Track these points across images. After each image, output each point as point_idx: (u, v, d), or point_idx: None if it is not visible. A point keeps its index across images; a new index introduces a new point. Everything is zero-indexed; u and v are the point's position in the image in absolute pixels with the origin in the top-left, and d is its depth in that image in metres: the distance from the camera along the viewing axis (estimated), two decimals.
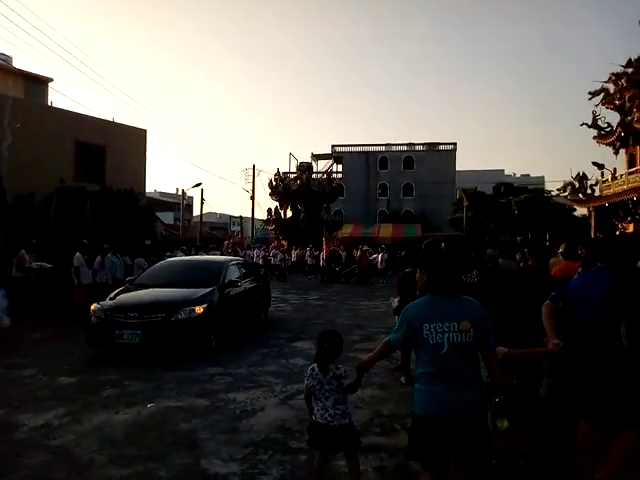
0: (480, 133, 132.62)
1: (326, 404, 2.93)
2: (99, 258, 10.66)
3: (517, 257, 9.12)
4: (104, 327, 6.47)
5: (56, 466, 3.49)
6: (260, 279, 9.93)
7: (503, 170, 60.83)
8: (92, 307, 6.87)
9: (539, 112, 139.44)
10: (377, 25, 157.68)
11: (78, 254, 10.21)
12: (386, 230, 36.75)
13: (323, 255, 22.12)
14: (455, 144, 45.09)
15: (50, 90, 21.76)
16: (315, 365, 3.00)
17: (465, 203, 34.33)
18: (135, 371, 5.98)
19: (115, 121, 20.97)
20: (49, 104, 20.80)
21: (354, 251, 23.02)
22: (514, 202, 33.69)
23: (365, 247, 22.62)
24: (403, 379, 5.62)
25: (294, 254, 26.21)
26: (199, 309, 6.67)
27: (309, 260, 23.72)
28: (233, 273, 8.32)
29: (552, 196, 34.57)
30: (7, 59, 21.02)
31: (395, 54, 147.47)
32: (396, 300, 5.93)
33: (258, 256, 24.35)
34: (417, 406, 2.49)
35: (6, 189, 13.92)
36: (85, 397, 4.98)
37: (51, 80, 21.39)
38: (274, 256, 22.49)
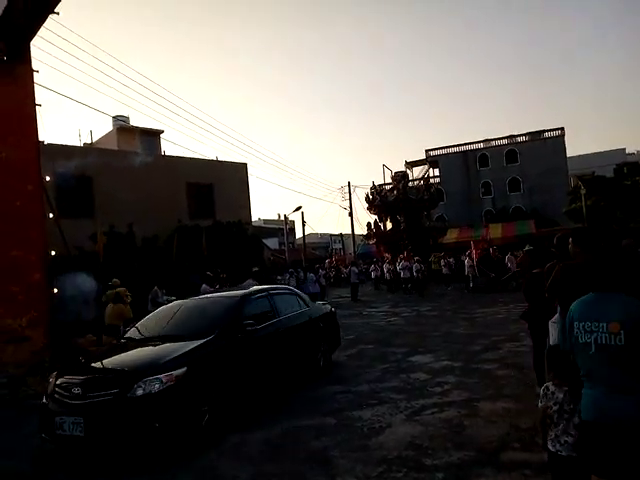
0: (591, 112, 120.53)
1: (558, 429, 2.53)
2: (217, 287, 11.46)
3: None
4: (46, 412, 4.55)
5: None
6: (320, 313, 7.46)
7: (624, 149, 54.45)
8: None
9: None
10: (464, 22, 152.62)
11: (205, 285, 11.05)
12: (495, 230, 34.51)
13: (470, 261, 18.98)
14: (562, 129, 41.40)
15: (162, 141, 24.27)
16: (550, 384, 2.66)
17: (583, 191, 31.17)
18: None
19: (218, 159, 22.74)
20: (162, 153, 23.22)
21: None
22: None
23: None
24: (538, 389, 5.16)
25: (386, 267, 25.72)
26: (169, 378, 4.37)
27: (444, 270, 20.99)
28: (258, 309, 6.05)
29: None
30: (125, 119, 23.95)
31: (487, 43, 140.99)
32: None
33: (376, 270, 23.60)
34: (582, 411, 2.37)
35: (135, 234, 15.73)
36: None
37: (162, 132, 23.88)
38: (404, 268, 19.82)
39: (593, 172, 36.06)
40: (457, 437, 4.16)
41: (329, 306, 8.17)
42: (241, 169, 22.76)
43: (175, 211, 18.32)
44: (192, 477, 3.89)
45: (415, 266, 19.26)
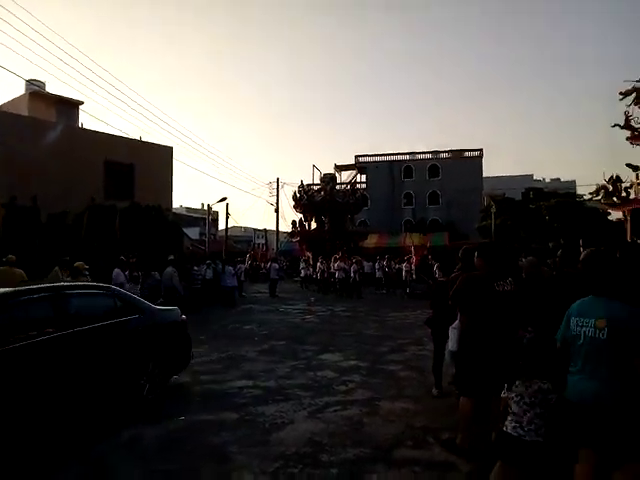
0: (507, 138, 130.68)
1: (522, 418, 2.91)
2: (127, 272, 10.86)
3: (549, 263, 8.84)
4: None
5: None
6: (157, 322, 5.61)
7: (532, 175, 59.67)
8: None
9: (569, 114, 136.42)
10: (399, 33, 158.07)
11: (118, 270, 10.39)
12: (412, 239, 36.33)
13: (407, 266, 19.62)
14: (481, 150, 44.47)
15: (81, 112, 22.54)
16: (519, 381, 3.02)
17: (493, 210, 33.66)
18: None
19: (142, 140, 21.58)
20: (80, 126, 21.58)
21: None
22: (544, 207, 32.87)
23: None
24: (435, 391, 5.47)
25: (318, 266, 26.11)
26: None
27: (377, 274, 21.03)
28: (26, 316, 4.26)
29: (585, 200, 33.58)
30: (41, 85, 21.93)
31: (421, 62, 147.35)
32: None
33: (306, 269, 23.04)
34: (567, 393, 2.76)
35: (40, 209, 14.44)
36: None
37: (81, 103, 22.19)
38: (340, 269, 19.26)
39: (504, 193, 39.04)
40: (356, 434, 4.28)
41: (178, 312, 6.20)
42: (166, 152, 21.75)
43: (90, 189, 17.06)
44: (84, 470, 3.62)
45: (353, 267, 18.88)
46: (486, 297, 3.78)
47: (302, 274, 24.08)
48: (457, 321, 4.20)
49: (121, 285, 10.18)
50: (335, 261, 20.37)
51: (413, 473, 3.52)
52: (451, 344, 4.28)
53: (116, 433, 4.34)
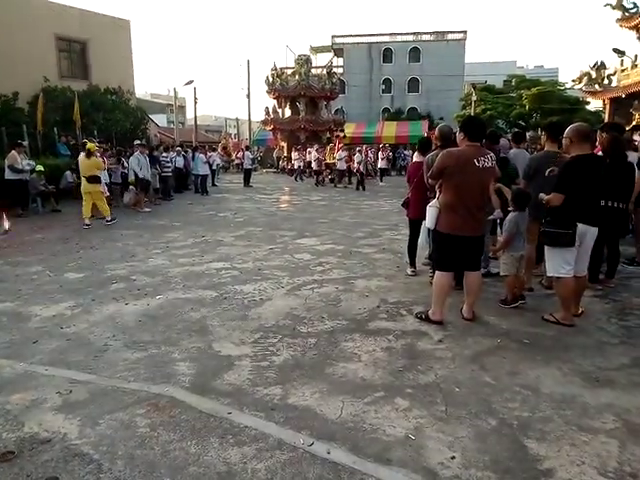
0: (491, 21, 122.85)
1: None
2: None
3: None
4: None
5: (72, 350, 3.56)
6: None
7: (515, 62, 57.38)
8: None
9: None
10: None
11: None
12: (390, 129, 35.45)
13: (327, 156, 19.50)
14: (465, 32, 41.94)
15: None
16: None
17: (474, 98, 32.70)
18: (141, 267, 6.01)
19: (95, 12, 19.23)
20: None
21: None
22: (525, 96, 32.10)
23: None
24: (409, 270, 5.62)
25: (294, 156, 25.53)
26: None
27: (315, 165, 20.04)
28: None
29: (566, 88, 32.82)
30: None
31: None
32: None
33: (300, 159, 20.90)
34: None
35: None
36: (94, 291, 5.02)
37: None
38: (342, 159, 17.89)
39: (485, 81, 37.73)
40: (332, 309, 4.42)
41: None
42: (123, 26, 19.56)
43: (41, 67, 15.49)
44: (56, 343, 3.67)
45: (357, 156, 17.70)
46: (467, 172, 3.70)
47: (295, 166, 21.93)
48: (435, 199, 4.15)
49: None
50: (331, 150, 19.66)
51: (387, 340, 3.69)
52: (428, 222, 4.26)
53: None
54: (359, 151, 18.62)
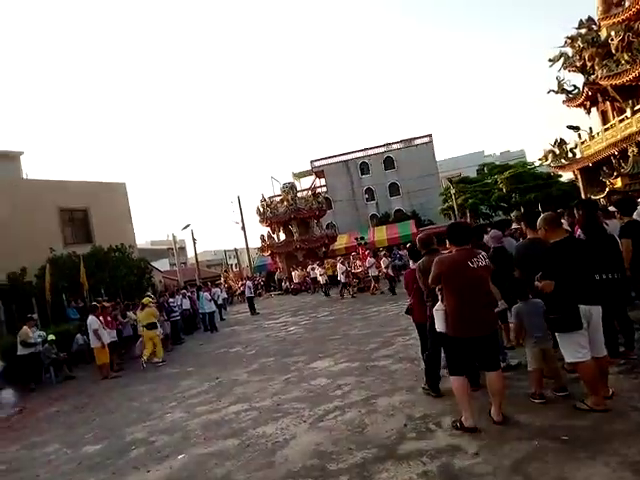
0: (455, 119, 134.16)
1: None
2: (101, 318, 10.56)
3: (516, 233, 9.13)
4: None
5: None
6: None
7: (483, 151, 61.35)
8: None
9: (507, 87, 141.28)
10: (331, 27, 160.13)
11: (92, 317, 10.11)
12: (380, 233, 36.76)
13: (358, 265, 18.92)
14: (430, 135, 45.44)
15: (22, 163, 21.79)
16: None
17: (452, 191, 34.47)
18: (159, 425, 5.87)
19: (93, 181, 21.00)
20: (25, 177, 20.83)
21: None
22: (500, 180, 33.91)
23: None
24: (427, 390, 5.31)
25: (295, 275, 26.08)
26: None
27: (322, 279, 20.89)
28: None
29: (535, 167, 34.79)
30: None
31: (358, 51, 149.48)
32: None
33: (325, 274, 20.95)
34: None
35: None
36: (114, 462, 4.85)
37: (22, 153, 21.45)
38: (371, 266, 17.60)
39: (459, 173, 40.05)
40: (359, 437, 4.26)
41: None
42: (119, 189, 21.23)
43: (46, 240, 16.48)
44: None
45: (384, 261, 17.64)
46: (464, 275, 3.85)
47: (322, 281, 21.28)
48: (439, 302, 4.25)
49: (96, 332, 9.92)
50: (354, 260, 19.57)
51: (422, 463, 3.53)
52: (437, 325, 4.31)
53: None
54: (384, 255, 18.85)
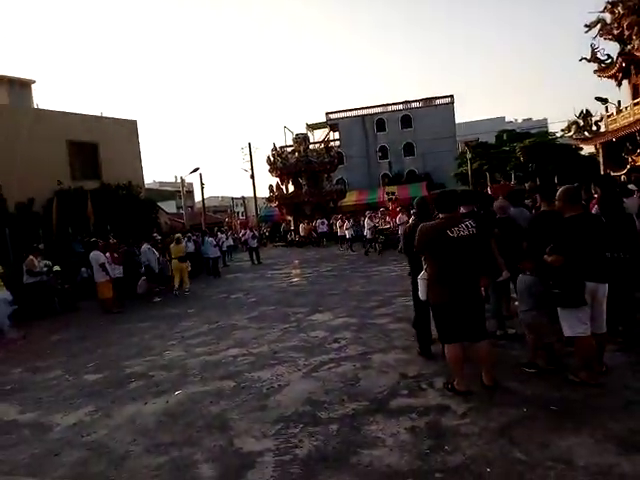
0: (477, 81, 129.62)
1: None
2: (108, 254, 10.66)
3: (528, 204, 8.94)
4: None
5: (93, 461, 3.53)
6: None
7: (504, 117, 59.66)
8: None
9: (537, 52, 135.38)
10: None
11: (97, 252, 10.22)
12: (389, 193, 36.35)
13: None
14: (452, 96, 44.04)
15: (34, 92, 21.40)
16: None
17: (468, 155, 33.75)
18: (158, 361, 6.03)
19: (104, 116, 20.66)
20: (35, 106, 20.51)
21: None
22: (519, 148, 33.07)
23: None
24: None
25: (302, 228, 26.10)
26: None
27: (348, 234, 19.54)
28: None
29: (557, 138, 33.85)
30: None
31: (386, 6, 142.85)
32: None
33: (356, 226, 19.40)
34: None
35: (6, 198, 13.90)
36: (113, 392, 5.02)
37: (33, 82, 21.03)
38: (402, 223, 14.96)
39: (477, 138, 39.08)
40: (352, 389, 4.36)
41: None
42: (131, 126, 20.87)
43: (54, 172, 16.40)
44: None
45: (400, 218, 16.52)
46: (441, 243, 3.81)
47: (347, 235, 19.88)
48: (423, 271, 4.25)
49: (103, 265, 10.06)
50: (383, 216, 19.05)
51: (410, 419, 3.62)
52: (421, 294, 4.34)
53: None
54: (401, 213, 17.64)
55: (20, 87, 20.28)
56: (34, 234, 12.40)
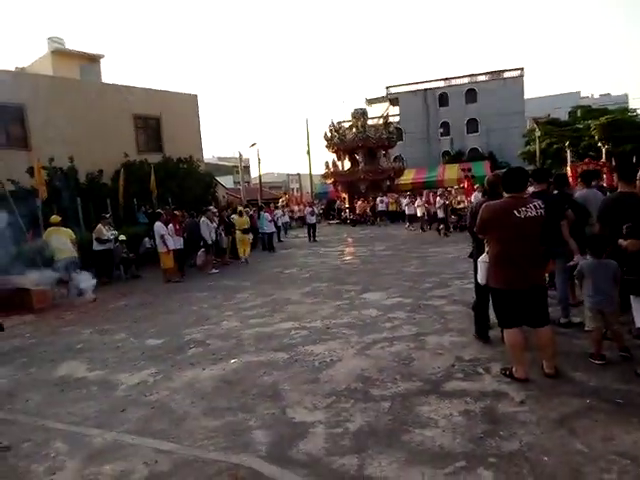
0: (550, 54, 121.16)
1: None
2: (171, 225, 11.09)
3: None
4: None
5: (156, 418, 3.74)
6: None
7: (579, 92, 55.55)
8: None
9: (619, 22, 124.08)
10: None
11: (159, 223, 10.69)
12: (451, 171, 35.09)
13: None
14: (522, 69, 41.51)
15: (102, 66, 22.30)
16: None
17: (537, 133, 31.81)
18: (215, 330, 6.26)
19: (166, 90, 21.20)
20: (102, 80, 21.40)
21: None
22: (594, 126, 30.73)
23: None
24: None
25: (357, 206, 25.87)
26: None
27: (419, 212, 18.67)
28: None
29: (638, 115, 31.13)
30: (60, 41, 21.72)
31: None
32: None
33: (429, 203, 18.24)
34: None
35: (77, 170, 14.76)
36: (173, 356, 5.28)
37: (102, 57, 21.91)
38: None
39: (548, 115, 36.71)
40: (405, 369, 4.32)
41: None
42: (192, 100, 21.37)
43: (121, 145, 17.20)
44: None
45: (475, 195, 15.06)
46: (508, 224, 3.60)
47: (419, 213, 18.90)
48: (485, 254, 4.04)
49: (162, 237, 10.51)
50: (456, 194, 18.23)
51: (465, 403, 3.53)
52: (479, 277, 4.15)
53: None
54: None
55: (90, 62, 21.21)
56: (103, 204, 13.12)
